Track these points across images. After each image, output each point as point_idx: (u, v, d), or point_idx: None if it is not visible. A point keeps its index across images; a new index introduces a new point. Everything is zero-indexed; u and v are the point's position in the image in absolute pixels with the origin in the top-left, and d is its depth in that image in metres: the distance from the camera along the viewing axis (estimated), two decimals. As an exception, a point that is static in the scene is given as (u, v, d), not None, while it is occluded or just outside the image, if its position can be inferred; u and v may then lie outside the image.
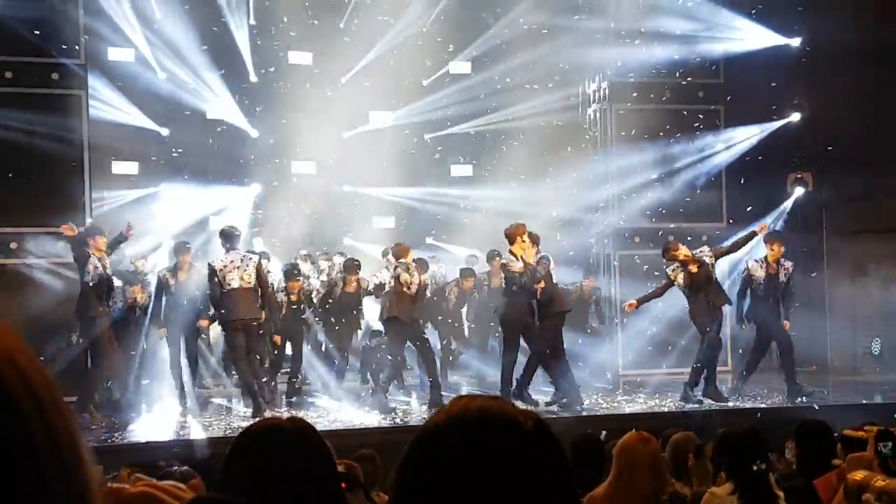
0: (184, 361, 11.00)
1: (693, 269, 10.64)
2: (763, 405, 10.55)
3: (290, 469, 2.03)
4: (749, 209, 13.55)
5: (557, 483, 1.30)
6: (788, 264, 11.23)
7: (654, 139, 13.74)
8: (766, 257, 11.17)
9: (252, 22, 14.39)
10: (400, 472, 1.33)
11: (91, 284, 10.00)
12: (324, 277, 12.51)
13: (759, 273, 11.15)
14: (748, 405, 10.56)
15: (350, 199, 15.31)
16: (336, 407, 10.81)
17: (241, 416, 10.39)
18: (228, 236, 10.20)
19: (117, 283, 10.86)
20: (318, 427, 7.44)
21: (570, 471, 1.35)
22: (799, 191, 14.40)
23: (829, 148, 14.06)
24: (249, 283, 10.02)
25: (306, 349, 11.72)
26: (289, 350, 11.73)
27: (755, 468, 4.17)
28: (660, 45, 13.55)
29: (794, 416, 8.35)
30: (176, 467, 4.55)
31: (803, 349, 13.77)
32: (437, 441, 1.31)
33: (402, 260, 10.61)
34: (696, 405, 10.43)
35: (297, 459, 2.03)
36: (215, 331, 12.12)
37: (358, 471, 4.56)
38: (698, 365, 10.77)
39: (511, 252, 10.21)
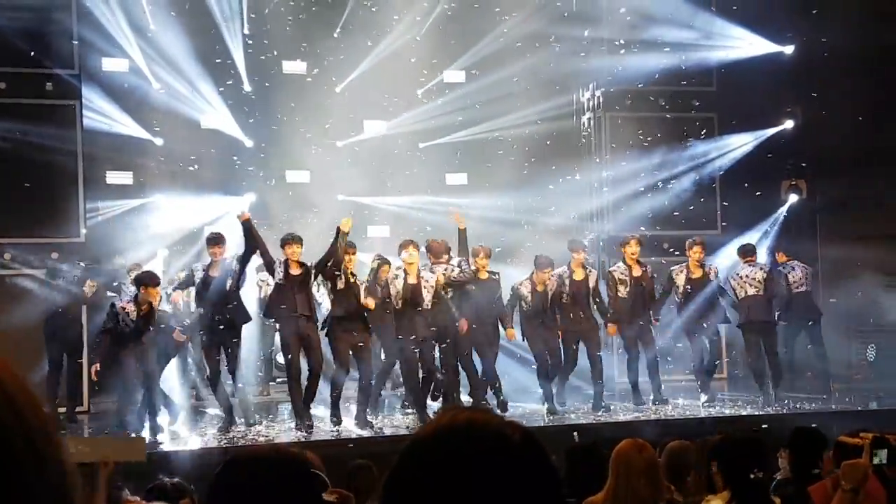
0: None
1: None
2: (757, 412, 10.55)
3: (274, 502, 1.97)
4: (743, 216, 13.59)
5: (545, 496, 1.29)
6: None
7: (648, 147, 13.78)
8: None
9: (246, 31, 14.39)
10: (387, 485, 1.32)
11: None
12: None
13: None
14: (744, 412, 10.58)
15: (344, 208, 15.30)
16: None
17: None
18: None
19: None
20: (316, 436, 7.35)
21: (559, 483, 1.34)
22: (793, 198, 14.44)
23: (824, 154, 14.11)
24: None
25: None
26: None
27: (753, 476, 4.16)
28: (653, 54, 13.60)
29: (788, 423, 8.35)
30: (168, 480, 4.53)
31: (799, 356, 13.79)
32: (425, 454, 1.30)
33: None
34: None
35: (282, 492, 1.96)
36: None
37: (351, 501, 4.52)
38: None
39: None
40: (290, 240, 9.93)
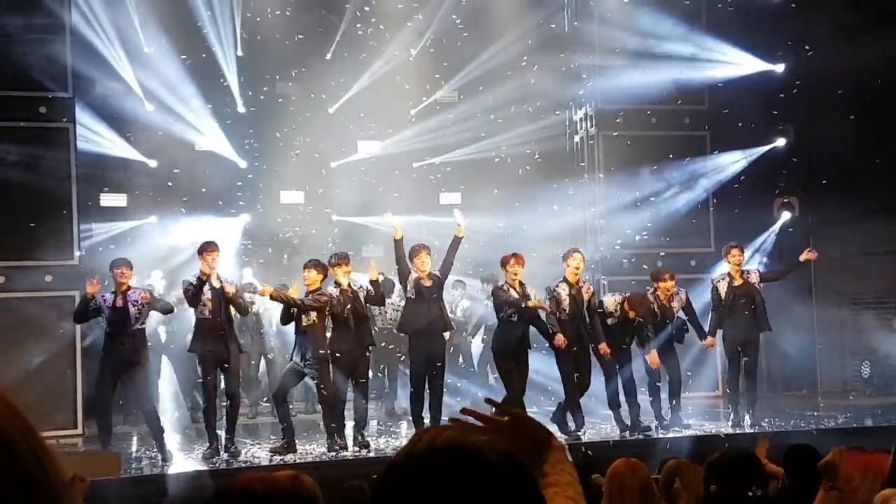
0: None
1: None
2: (751, 430, 10.54)
3: None
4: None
5: None
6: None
7: (640, 165, 13.82)
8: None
9: (240, 53, 14.45)
10: None
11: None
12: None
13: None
14: (740, 430, 10.56)
15: (339, 229, 15.32)
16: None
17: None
18: None
19: None
20: (308, 458, 7.29)
21: (541, 502, 1.33)
22: (786, 215, 14.47)
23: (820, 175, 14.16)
24: None
25: None
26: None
27: (751, 494, 4.15)
28: (646, 72, 13.65)
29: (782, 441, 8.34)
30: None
31: (793, 373, 13.80)
32: (404, 478, 1.29)
33: None
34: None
35: None
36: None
37: None
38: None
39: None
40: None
